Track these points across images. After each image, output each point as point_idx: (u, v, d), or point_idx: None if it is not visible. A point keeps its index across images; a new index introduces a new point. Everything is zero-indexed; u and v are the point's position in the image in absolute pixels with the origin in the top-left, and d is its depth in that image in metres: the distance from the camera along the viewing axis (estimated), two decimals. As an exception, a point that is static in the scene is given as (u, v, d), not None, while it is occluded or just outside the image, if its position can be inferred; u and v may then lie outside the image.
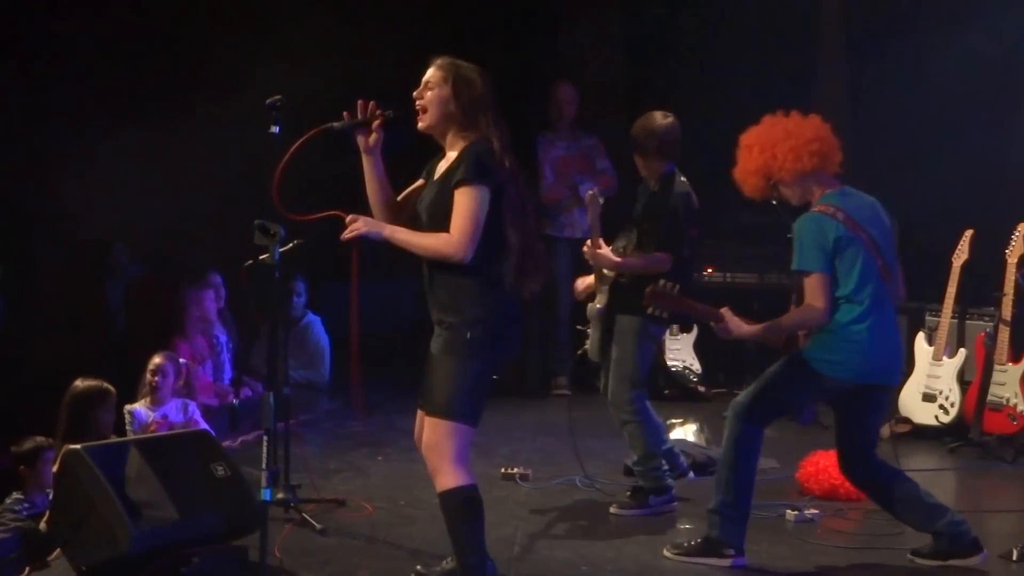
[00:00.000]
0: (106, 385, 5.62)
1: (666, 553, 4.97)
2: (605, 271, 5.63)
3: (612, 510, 5.65)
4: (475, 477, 4.19)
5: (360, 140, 4.24)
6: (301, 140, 4.10)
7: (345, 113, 4.24)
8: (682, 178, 5.62)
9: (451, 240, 4.04)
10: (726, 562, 4.82)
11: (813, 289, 4.64)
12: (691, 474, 6.04)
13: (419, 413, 4.38)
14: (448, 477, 4.11)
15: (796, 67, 9.37)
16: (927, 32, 8.03)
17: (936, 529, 4.80)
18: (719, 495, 4.84)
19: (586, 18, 9.94)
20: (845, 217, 4.67)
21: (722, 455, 4.86)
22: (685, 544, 4.97)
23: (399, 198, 4.36)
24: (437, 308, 4.18)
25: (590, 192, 5.64)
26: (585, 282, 5.84)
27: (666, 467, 5.69)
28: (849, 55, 9.29)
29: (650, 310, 4.88)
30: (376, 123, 4.21)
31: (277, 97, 4.23)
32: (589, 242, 5.57)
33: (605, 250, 5.54)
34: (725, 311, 4.77)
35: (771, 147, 4.76)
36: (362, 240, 4.16)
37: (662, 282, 4.82)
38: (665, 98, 9.27)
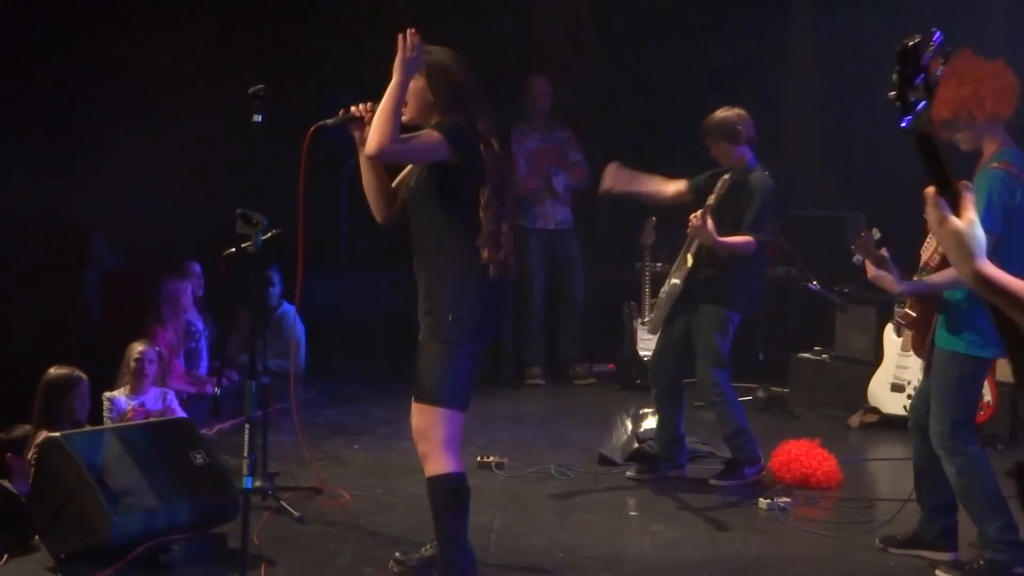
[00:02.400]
0: (77, 372, 5.62)
1: (891, 550, 4.87)
2: (690, 256, 5.88)
3: (711, 481, 5.91)
4: (463, 465, 4.22)
5: (355, 134, 4.27)
6: (305, 143, 4.11)
7: (342, 111, 4.25)
8: (764, 172, 5.86)
9: (379, 135, 3.98)
10: (939, 556, 4.75)
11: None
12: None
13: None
14: (437, 463, 4.13)
15: (770, 58, 9.46)
16: (897, 30, 8.12)
17: (934, 515, 4.80)
18: (990, 527, 4.58)
19: (559, 9, 9.98)
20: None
21: (960, 491, 4.62)
22: (898, 536, 4.86)
23: (393, 184, 4.38)
24: (421, 294, 4.21)
25: (724, 177, 5.76)
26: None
27: (754, 440, 5.96)
28: (819, 44, 9.42)
29: (856, 257, 4.89)
30: (368, 116, 4.20)
31: (260, 86, 4.26)
32: (699, 212, 5.67)
33: (711, 226, 5.65)
34: (886, 272, 4.64)
35: (976, 82, 4.43)
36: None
37: (875, 231, 4.83)
38: (639, 91, 9.38)
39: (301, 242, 4.22)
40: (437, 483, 4.16)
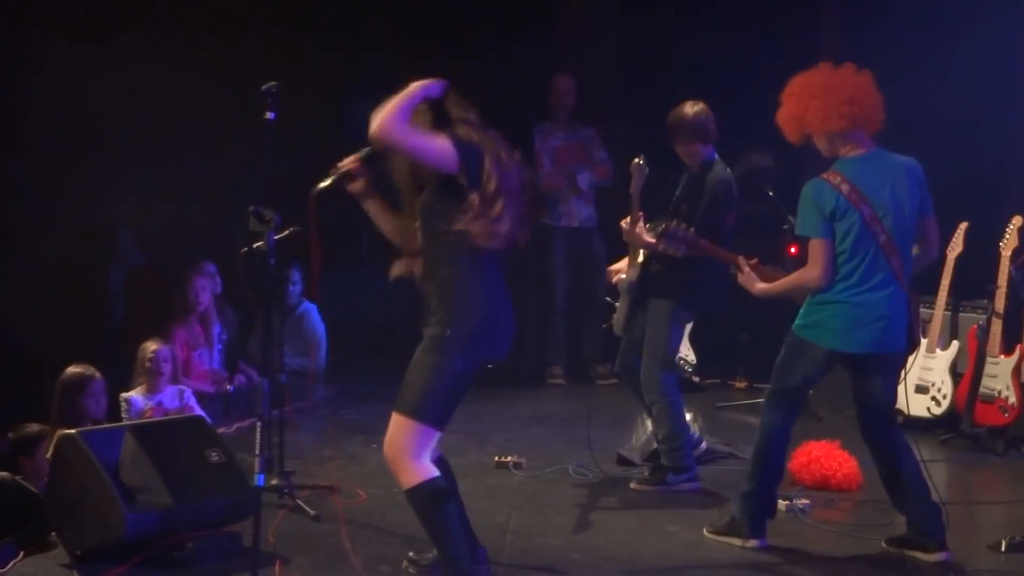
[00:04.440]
0: (91, 371, 5.62)
1: (705, 532, 5.12)
2: (641, 252, 5.80)
3: (632, 486, 5.82)
4: (436, 469, 4.16)
5: (351, 187, 4.25)
6: (310, 209, 4.10)
7: (332, 171, 4.21)
8: (723, 165, 5.79)
9: (387, 115, 3.94)
10: (747, 544, 4.96)
11: (811, 254, 4.74)
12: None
13: None
14: (410, 475, 4.09)
15: (797, 56, 9.37)
16: (926, 25, 8.05)
17: (910, 516, 4.85)
18: (747, 482, 4.98)
19: (584, 7, 9.95)
20: (849, 188, 4.68)
21: (754, 444, 4.99)
22: (717, 523, 5.13)
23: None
24: (427, 308, 4.15)
25: (636, 160, 5.72)
26: (618, 266, 6.04)
27: (686, 448, 5.87)
28: (849, 44, 9.32)
29: (662, 247, 5.17)
30: (356, 167, 4.19)
31: (272, 83, 4.24)
32: (628, 218, 5.63)
33: (642, 230, 5.64)
34: (741, 260, 4.95)
35: (806, 100, 4.76)
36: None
37: (675, 222, 5.08)
38: (663, 88, 9.31)
39: (315, 282, 4.17)
40: (415, 494, 4.11)
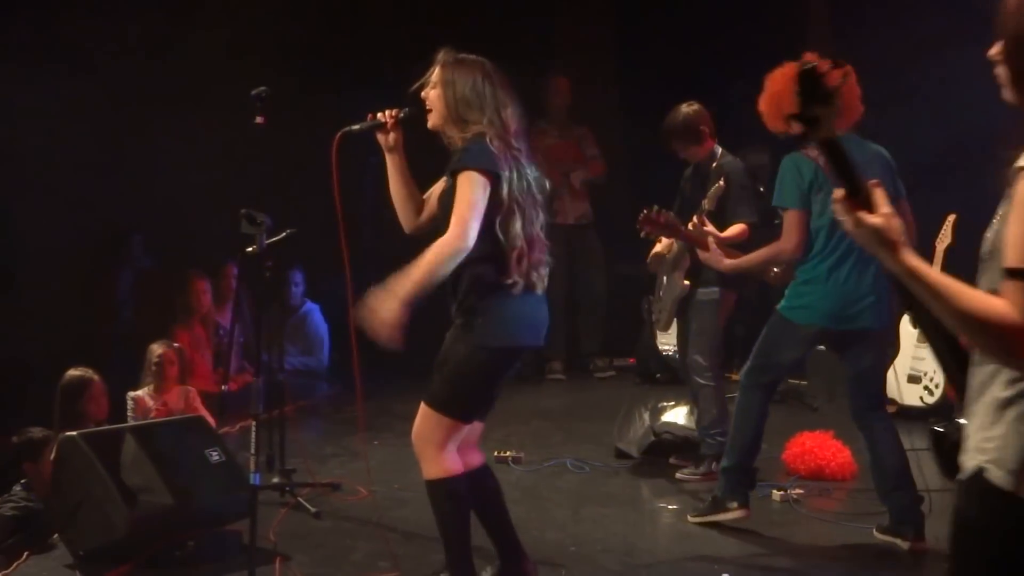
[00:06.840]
0: (89, 373, 5.65)
1: (689, 518, 5.23)
2: (679, 253, 5.91)
3: (678, 476, 5.94)
4: (461, 465, 4.16)
5: (381, 139, 4.23)
6: (333, 150, 4.07)
7: (369, 116, 4.22)
8: (730, 156, 5.93)
9: (446, 237, 3.93)
10: (730, 516, 5.07)
11: (787, 225, 4.84)
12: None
13: None
14: (434, 466, 4.10)
15: (788, 55, 9.38)
16: (916, 19, 8.09)
17: (888, 503, 4.91)
18: (725, 458, 5.13)
19: (579, 8, 10.00)
20: (826, 162, 4.72)
21: (734, 418, 5.14)
22: (699, 507, 5.23)
23: (424, 196, 4.32)
24: (455, 300, 4.10)
25: (718, 184, 5.76)
26: (657, 248, 6.08)
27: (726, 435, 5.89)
28: (836, 41, 9.37)
29: (643, 234, 5.35)
30: (391, 122, 4.17)
31: (262, 88, 4.28)
32: (696, 218, 5.65)
33: (711, 227, 5.61)
34: (711, 241, 5.14)
35: (779, 92, 4.71)
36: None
37: (655, 207, 5.26)
38: (657, 88, 9.37)
39: (344, 245, 4.22)
40: (434, 488, 4.13)
